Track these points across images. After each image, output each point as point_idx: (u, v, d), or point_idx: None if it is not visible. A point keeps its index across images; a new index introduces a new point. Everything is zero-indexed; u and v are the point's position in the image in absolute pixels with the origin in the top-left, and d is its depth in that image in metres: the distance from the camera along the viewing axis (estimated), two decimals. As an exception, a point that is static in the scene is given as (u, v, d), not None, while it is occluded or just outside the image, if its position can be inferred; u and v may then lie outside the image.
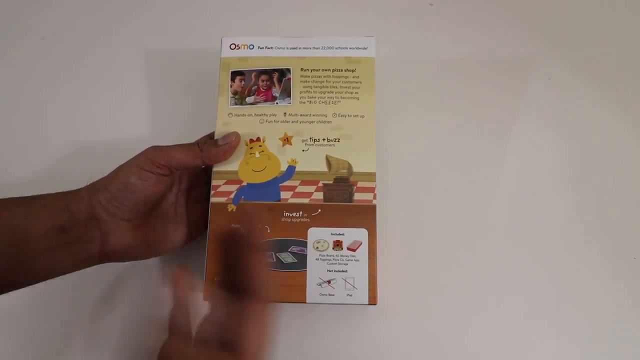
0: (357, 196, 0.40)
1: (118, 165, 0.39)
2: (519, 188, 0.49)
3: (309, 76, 0.43)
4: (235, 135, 0.41)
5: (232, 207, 0.40)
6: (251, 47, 0.44)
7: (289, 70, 0.43)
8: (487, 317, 0.45)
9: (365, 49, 0.44)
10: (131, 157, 0.39)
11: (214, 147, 0.40)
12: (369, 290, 0.39)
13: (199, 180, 0.44)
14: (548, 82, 0.54)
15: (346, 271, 0.39)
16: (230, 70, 0.43)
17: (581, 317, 0.45)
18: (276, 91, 0.43)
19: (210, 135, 0.43)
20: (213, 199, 0.40)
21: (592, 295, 0.46)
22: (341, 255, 0.39)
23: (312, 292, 0.38)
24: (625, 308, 0.45)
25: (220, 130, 0.42)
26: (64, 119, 0.53)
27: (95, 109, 0.53)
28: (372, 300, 0.38)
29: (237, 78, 0.43)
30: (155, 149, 0.39)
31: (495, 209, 0.49)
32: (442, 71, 0.55)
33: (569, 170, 0.50)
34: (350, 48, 0.44)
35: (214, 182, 0.41)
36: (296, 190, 0.40)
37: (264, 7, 0.58)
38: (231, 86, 0.43)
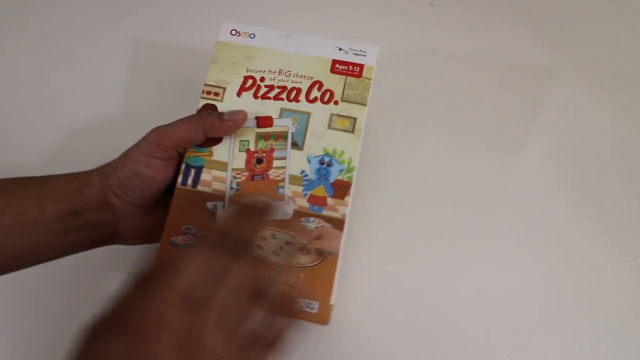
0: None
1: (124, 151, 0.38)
2: (519, 188, 0.49)
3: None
4: (243, 114, 0.39)
5: None
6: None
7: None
8: (487, 318, 0.45)
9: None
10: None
11: (217, 119, 0.38)
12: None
13: None
14: (548, 82, 0.54)
15: None
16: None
17: (581, 317, 0.45)
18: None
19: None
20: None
21: (592, 295, 0.45)
22: None
23: None
24: (625, 308, 0.45)
25: None
26: (64, 119, 0.53)
27: (95, 109, 0.53)
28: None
29: None
30: (156, 131, 0.37)
31: (494, 210, 0.48)
32: (442, 71, 0.55)
33: (569, 170, 0.50)
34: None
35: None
36: None
37: (262, 3, 0.58)
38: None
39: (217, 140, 0.40)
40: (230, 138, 0.40)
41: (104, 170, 0.37)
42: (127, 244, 0.39)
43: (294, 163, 0.39)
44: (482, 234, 0.47)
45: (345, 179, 0.39)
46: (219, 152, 0.39)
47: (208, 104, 0.41)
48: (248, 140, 0.40)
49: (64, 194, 0.36)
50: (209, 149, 0.39)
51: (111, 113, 0.53)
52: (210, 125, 0.38)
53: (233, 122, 0.38)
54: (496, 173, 0.50)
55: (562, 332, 0.44)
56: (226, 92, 0.41)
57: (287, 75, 0.41)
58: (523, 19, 0.58)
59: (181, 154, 0.39)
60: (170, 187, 0.39)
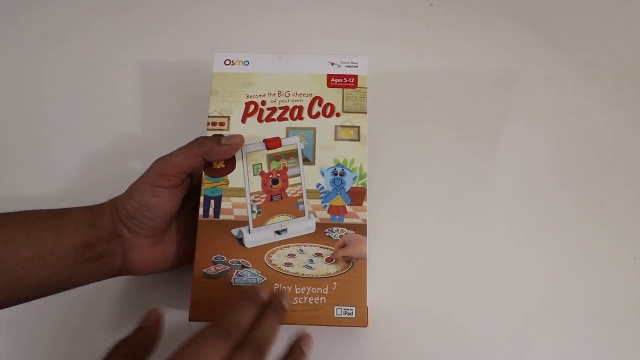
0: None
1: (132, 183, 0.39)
2: (519, 188, 0.49)
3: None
4: (240, 138, 0.40)
5: None
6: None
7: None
8: (486, 318, 0.45)
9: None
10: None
11: (215, 144, 0.39)
12: None
13: None
14: (548, 82, 0.54)
15: None
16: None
17: (581, 318, 0.45)
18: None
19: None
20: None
21: (592, 295, 0.45)
22: None
23: None
24: (625, 308, 0.45)
25: None
26: (64, 120, 0.53)
27: (95, 110, 0.53)
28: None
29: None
30: (158, 162, 0.39)
31: (494, 210, 0.48)
32: (442, 71, 0.55)
33: (568, 170, 0.50)
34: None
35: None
36: None
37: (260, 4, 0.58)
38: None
39: (231, 168, 0.41)
40: (243, 164, 0.41)
41: (114, 203, 0.39)
42: (136, 274, 0.40)
43: (308, 178, 0.41)
44: (480, 235, 0.47)
45: (360, 185, 0.41)
46: (234, 179, 0.41)
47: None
48: (260, 164, 0.41)
49: (79, 226, 0.37)
50: (224, 177, 0.41)
51: (111, 113, 0.53)
52: (208, 150, 0.39)
53: (230, 146, 0.40)
54: (495, 173, 0.50)
55: (562, 332, 0.44)
56: (231, 120, 0.42)
57: (287, 95, 0.43)
58: (523, 19, 0.58)
59: (186, 181, 0.40)
60: (177, 218, 0.41)
